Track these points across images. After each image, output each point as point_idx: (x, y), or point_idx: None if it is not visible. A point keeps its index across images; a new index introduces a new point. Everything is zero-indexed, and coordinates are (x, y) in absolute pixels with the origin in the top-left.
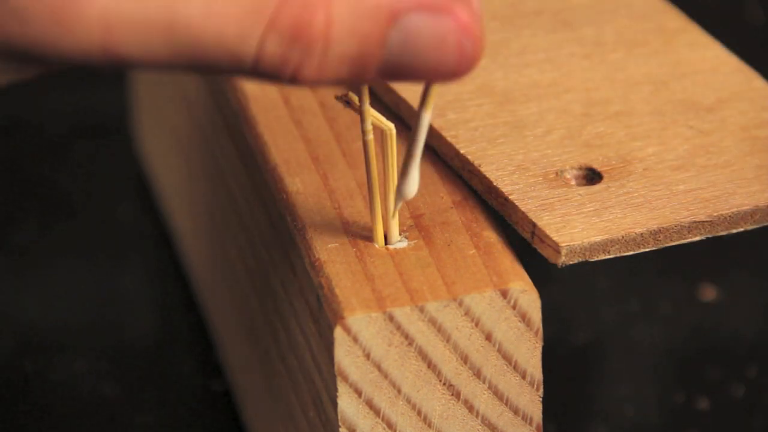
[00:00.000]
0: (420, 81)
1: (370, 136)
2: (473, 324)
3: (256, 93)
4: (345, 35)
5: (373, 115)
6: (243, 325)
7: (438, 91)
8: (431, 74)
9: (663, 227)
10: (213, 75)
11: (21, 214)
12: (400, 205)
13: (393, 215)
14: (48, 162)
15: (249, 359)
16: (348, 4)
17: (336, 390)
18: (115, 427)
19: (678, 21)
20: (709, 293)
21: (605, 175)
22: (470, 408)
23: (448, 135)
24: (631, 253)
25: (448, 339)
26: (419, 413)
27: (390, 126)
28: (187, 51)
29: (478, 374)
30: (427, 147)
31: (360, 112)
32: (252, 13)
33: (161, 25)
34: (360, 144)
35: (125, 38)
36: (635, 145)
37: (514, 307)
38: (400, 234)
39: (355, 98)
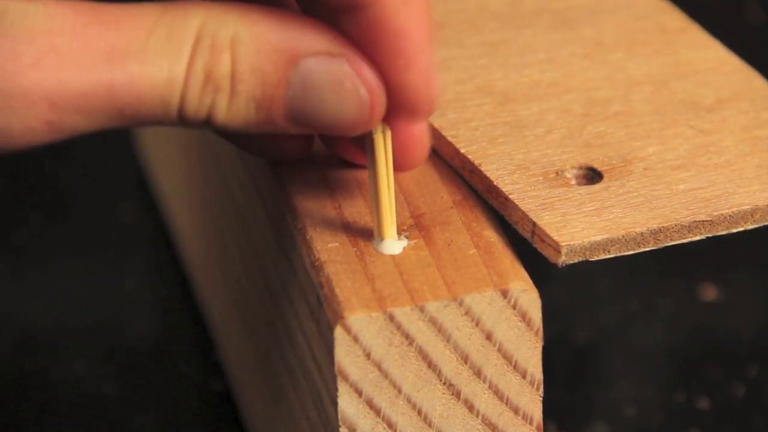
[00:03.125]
0: (330, 129)
1: (379, 135)
2: (473, 324)
3: None
4: (248, 74)
5: None
6: (243, 325)
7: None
8: (335, 119)
9: (663, 227)
10: (140, 126)
11: (21, 214)
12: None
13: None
14: (48, 162)
15: (249, 359)
16: (252, 46)
17: (336, 390)
18: (115, 427)
19: (678, 21)
20: (709, 293)
21: (605, 175)
22: (470, 408)
23: (449, 135)
24: (631, 252)
25: (448, 339)
26: (419, 413)
27: (386, 126)
28: (126, 108)
29: (478, 374)
30: None
31: None
32: (175, 60)
33: (103, 91)
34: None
35: (70, 110)
36: (635, 145)
37: (514, 307)
38: (400, 234)
39: None
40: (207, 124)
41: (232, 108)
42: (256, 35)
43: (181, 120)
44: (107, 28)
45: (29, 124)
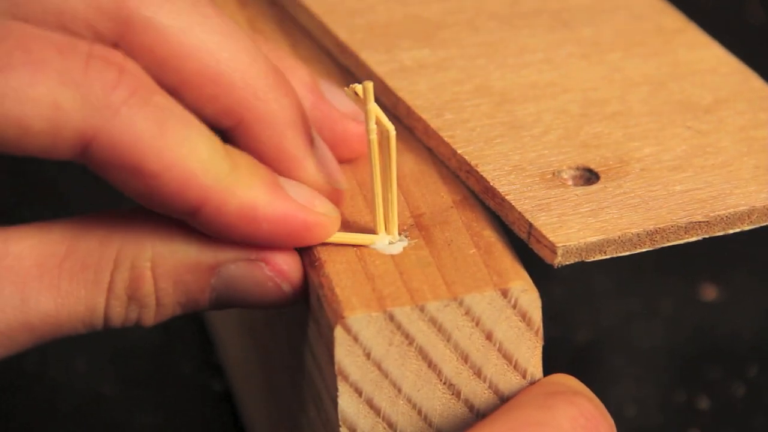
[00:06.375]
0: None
1: (374, 135)
2: (474, 323)
3: None
4: (171, 288)
5: (377, 114)
6: (243, 325)
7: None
8: (258, 306)
9: (659, 227)
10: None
11: (21, 214)
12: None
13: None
14: (48, 162)
15: (249, 359)
16: (171, 263)
17: (336, 389)
18: (115, 427)
19: (677, 21)
20: (709, 293)
21: (602, 176)
22: (470, 407)
23: (446, 135)
24: (627, 253)
25: (448, 338)
26: (420, 413)
27: (390, 126)
28: (47, 334)
29: (478, 374)
30: (425, 147)
31: (364, 111)
32: (93, 289)
33: (21, 327)
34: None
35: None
36: (632, 146)
37: (514, 307)
38: (400, 233)
39: (361, 91)
40: (135, 325)
41: (158, 315)
42: (174, 252)
43: (107, 328)
44: (19, 263)
45: None
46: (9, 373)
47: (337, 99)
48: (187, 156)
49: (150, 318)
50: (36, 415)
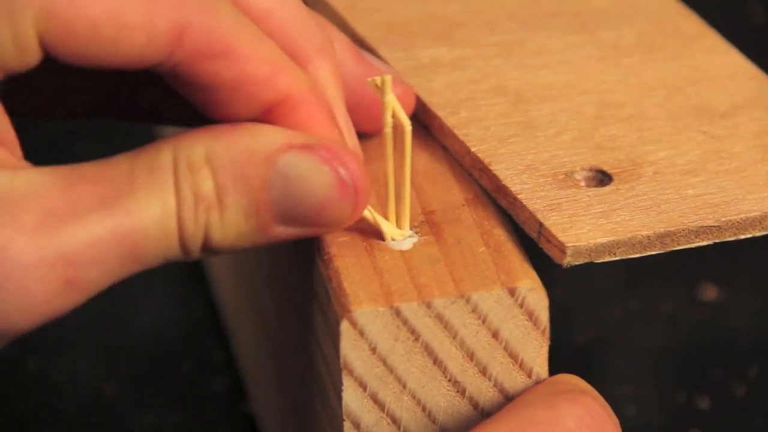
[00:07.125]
0: (319, 222)
1: (389, 129)
2: (480, 321)
3: None
4: (231, 183)
5: (394, 108)
6: (256, 319)
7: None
8: (321, 208)
9: (670, 230)
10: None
11: None
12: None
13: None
14: (48, 162)
15: (261, 354)
16: (227, 155)
17: (341, 383)
18: (115, 426)
19: (696, 26)
20: (709, 293)
21: (615, 178)
22: (475, 405)
23: (460, 133)
24: (637, 255)
25: (454, 335)
26: (424, 409)
27: (407, 122)
28: (134, 248)
29: (483, 372)
30: (440, 144)
31: (381, 103)
32: (163, 190)
33: (110, 235)
34: (372, 139)
35: (85, 263)
36: (647, 149)
37: (521, 306)
38: (410, 230)
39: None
40: (205, 248)
41: (224, 222)
42: (227, 144)
43: (183, 248)
44: (90, 182)
45: (51, 287)
46: (10, 373)
47: (374, 61)
48: (273, 46)
49: (218, 228)
50: (37, 415)
